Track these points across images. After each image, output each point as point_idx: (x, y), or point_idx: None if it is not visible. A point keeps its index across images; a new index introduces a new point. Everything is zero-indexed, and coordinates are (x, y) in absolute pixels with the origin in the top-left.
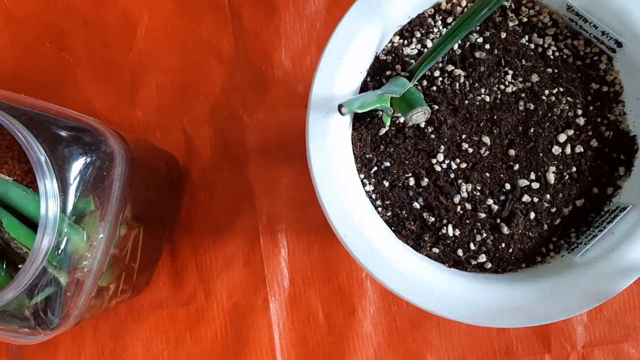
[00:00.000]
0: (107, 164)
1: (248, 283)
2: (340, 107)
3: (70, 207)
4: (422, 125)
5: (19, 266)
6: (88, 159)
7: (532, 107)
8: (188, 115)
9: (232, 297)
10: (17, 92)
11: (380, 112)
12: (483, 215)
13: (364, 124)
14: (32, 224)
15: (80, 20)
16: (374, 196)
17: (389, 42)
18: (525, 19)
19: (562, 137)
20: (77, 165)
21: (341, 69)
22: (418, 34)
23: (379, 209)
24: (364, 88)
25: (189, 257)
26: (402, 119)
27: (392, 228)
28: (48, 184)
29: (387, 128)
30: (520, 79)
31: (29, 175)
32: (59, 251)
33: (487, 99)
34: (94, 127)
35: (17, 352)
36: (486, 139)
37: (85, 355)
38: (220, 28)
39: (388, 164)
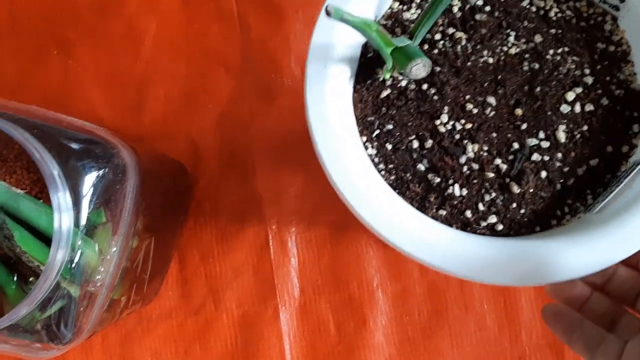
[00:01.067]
0: (119, 176)
1: (258, 292)
2: (327, 7)
3: (83, 220)
4: (425, 87)
5: (30, 279)
6: (100, 172)
7: (537, 66)
8: (195, 124)
9: (242, 306)
10: (22, 101)
11: (380, 74)
12: (491, 174)
13: (364, 85)
14: (43, 237)
15: (87, 29)
16: (376, 160)
17: (389, 9)
18: None
19: (571, 96)
20: (90, 178)
21: (342, 31)
22: None
23: (382, 172)
24: (364, 53)
25: (198, 266)
26: (404, 82)
27: (397, 191)
28: (61, 198)
29: (388, 91)
30: (523, 40)
31: (38, 185)
32: (73, 265)
33: (490, 60)
34: (106, 139)
35: None
36: (491, 99)
37: None
38: (228, 36)
39: (390, 126)
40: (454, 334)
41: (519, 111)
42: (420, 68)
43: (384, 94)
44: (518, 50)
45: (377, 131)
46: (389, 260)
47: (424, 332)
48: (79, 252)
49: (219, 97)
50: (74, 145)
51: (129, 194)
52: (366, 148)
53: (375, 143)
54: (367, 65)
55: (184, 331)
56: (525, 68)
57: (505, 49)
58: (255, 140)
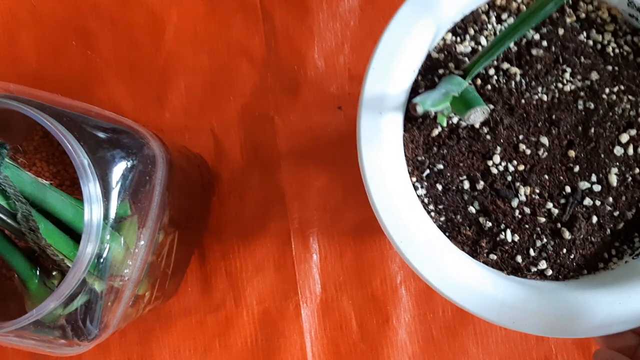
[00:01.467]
0: (149, 168)
1: (279, 289)
2: (414, 105)
3: (112, 213)
4: (477, 125)
5: (53, 273)
6: (129, 163)
7: (592, 106)
8: (217, 117)
9: (263, 303)
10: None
11: (433, 112)
12: (543, 219)
13: (415, 124)
14: (68, 231)
15: (107, 19)
16: (426, 200)
17: (441, 40)
18: (583, 15)
19: (625, 138)
20: (119, 170)
21: (394, 67)
22: (472, 31)
23: (432, 213)
24: (414, 88)
25: (218, 262)
26: (455, 119)
27: (447, 234)
28: (92, 189)
29: (439, 129)
30: (579, 77)
31: (58, 177)
32: (101, 259)
33: (545, 97)
34: (135, 129)
35: (39, 357)
36: (544, 140)
37: None
38: (251, 28)
39: (441, 166)
40: (479, 332)
41: (572, 153)
42: (479, 115)
43: (435, 132)
44: (573, 87)
45: (427, 171)
46: None
47: (448, 330)
48: (108, 246)
49: (242, 90)
50: (103, 135)
51: (158, 186)
52: (416, 189)
53: (425, 183)
54: None
55: (204, 328)
56: (580, 107)
57: (560, 85)
58: (279, 134)
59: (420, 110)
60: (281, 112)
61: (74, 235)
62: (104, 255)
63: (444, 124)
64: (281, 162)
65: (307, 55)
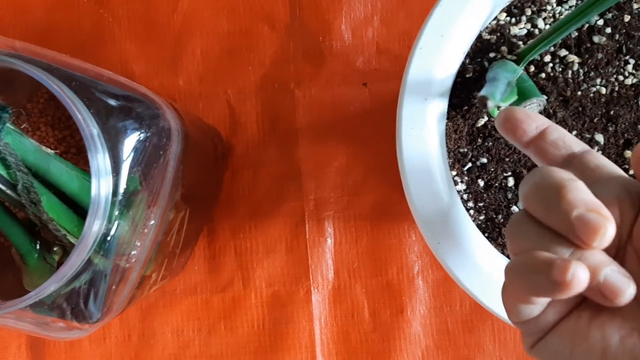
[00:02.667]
0: (163, 141)
1: (290, 272)
2: (484, 99)
3: (121, 188)
4: None
5: (54, 248)
6: (142, 135)
7: None
8: (234, 86)
9: (272, 286)
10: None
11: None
12: None
13: (460, 112)
14: (72, 204)
15: None
16: (465, 197)
17: (494, 20)
18: None
19: None
20: (131, 142)
21: (443, 48)
22: (529, 12)
23: (471, 211)
24: (461, 72)
25: (228, 241)
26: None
27: (486, 234)
28: (101, 162)
29: (485, 119)
30: None
31: (63, 144)
32: (108, 238)
33: (603, 90)
34: (150, 98)
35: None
36: (599, 137)
37: (111, 339)
38: None
39: (485, 160)
40: (496, 329)
41: (628, 153)
42: (534, 107)
43: (481, 122)
44: (635, 81)
45: (469, 164)
46: None
47: (464, 324)
48: (116, 223)
49: (262, 58)
50: (115, 103)
51: (172, 162)
52: (455, 183)
53: (466, 178)
54: (463, 87)
55: (209, 308)
56: None
57: (621, 78)
58: (299, 108)
59: (491, 105)
60: (302, 84)
61: (79, 209)
62: (111, 233)
63: (495, 115)
64: (299, 137)
65: (334, 26)
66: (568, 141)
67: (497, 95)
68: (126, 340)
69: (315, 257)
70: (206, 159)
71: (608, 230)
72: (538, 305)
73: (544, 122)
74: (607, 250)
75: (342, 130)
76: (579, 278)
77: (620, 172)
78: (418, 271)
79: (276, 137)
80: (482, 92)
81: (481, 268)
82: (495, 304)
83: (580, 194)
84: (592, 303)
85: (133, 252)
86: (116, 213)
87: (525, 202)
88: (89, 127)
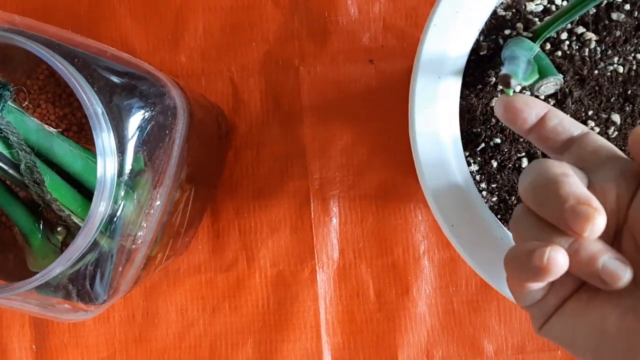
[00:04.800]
0: (169, 120)
1: (294, 252)
2: (507, 77)
3: (127, 169)
4: (543, 97)
5: (58, 229)
6: (147, 114)
7: None
8: (237, 63)
9: (277, 265)
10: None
11: (494, 78)
12: None
13: (474, 91)
14: (76, 184)
15: None
16: (478, 177)
17: None
18: None
19: None
20: (136, 120)
21: (457, 25)
22: None
23: (483, 192)
24: (475, 49)
25: (232, 220)
26: (518, 88)
27: (498, 216)
28: (106, 141)
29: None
30: None
31: (65, 122)
32: (115, 219)
33: (621, 69)
34: (155, 75)
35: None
36: (616, 117)
37: (114, 318)
38: None
39: (499, 140)
40: (502, 309)
41: None
42: (550, 86)
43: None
44: None
45: (483, 145)
46: (439, 227)
47: (470, 305)
48: (122, 204)
49: (265, 34)
50: (119, 81)
51: (177, 141)
52: (468, 164)
53: (479, 159)
54: (478, 65)
55: (213, 288)
56: None
57: (639, 56)
58: (304, 85)
59: (514, 83)
60: (307, 61)
61: (83, 189)
62: (117, 214)
63: (511, 94)
64: (304, 115)
65: (339, 0)
66: (567, 126)
67: (519, 73)
68: (130, 320)
69: (320, 237)
70: (210, 137)
71: (597, 221)
72: (537, 290)
73: (543, 108)
74: (606, 233)
75: (347, 109)
76: (555, 261)
77: (617, 153)
78: (424, 251)
79: (280, 116)
80: (505, 71)
81: (494, 252)
82: (507, 287)
83: (572, 187)
84: (591, 286)
85: (139, 233)
86: (122, 194)
87: (524, 198)
88: (93, 105)
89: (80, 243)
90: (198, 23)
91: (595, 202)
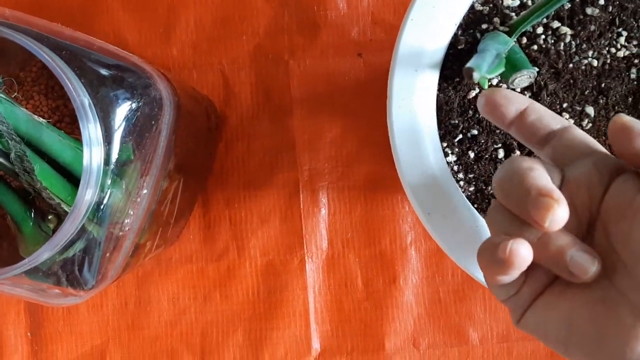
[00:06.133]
0: (155, 110)
1: (284, 242)
2: (470, 70)
3: (114, 158)
4: (518, 90)
5: (49, 217)
6: (134, 105)
7: None
8: (228, 56)
9: (267, 255)
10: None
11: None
12: None
13: (451, 84)
14: (65, 173)
15: None
16: (455, 168)
17: None
18: None
19: None
20: (122, 111)
21: (435, 20)
22: None
23: (461, 182)
24: (453, 43)
25: (222, 211)
26: (494, 81)
27: (475, 205)
28: (92, 131)
29: (477, 91)
30: (635, 43)
31: (57, 113)
32: (101, 206)
33: (595, 63)
34: (141, 67)
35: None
36: (590, 110)
37: (108, 306)
38: None
39: (475, 132)
40: (487, 297)
41: None
42: (524, 79)
43: (472, 94)
44: (627, 53)
45: (460, 136)
46: None
47: (456, 294)
48: (108, 192)
49: (255, 28)
50: (106, 72)
51: (164, 131)
52: (446, 155)
53: (457, 149)
54: (455, 59)
55: (205, 277)
56: (633, 76)
57: (613, 51)
58: (294, 79)
59: (476, 77)
60: (296, 55)
61: (72, 178)
62: (104, 202)
63: (486, 86)
64: (294, 108)
65: None
66: (546, 121)
67: (483, 66)
68: (123, 308)
69: (309, 227)
70: (199, 128)
71: (557, 211)
72: (512, 284)
73: (523, 102)
74: (578, 226)
75: (336, 102)
76: (518, 252)
77: (593, 147)
78: (411, 241)
79: (270, 108)
80: (469, 64)
81: (470, 240)
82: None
83: (535, 180)
84: (563, 279)
85: (126, 221)
86: (109, 182)
87: (495, 192)
88: (80, 96)
89: (68, 228)
90: (189, 16)
91: (556, 193)
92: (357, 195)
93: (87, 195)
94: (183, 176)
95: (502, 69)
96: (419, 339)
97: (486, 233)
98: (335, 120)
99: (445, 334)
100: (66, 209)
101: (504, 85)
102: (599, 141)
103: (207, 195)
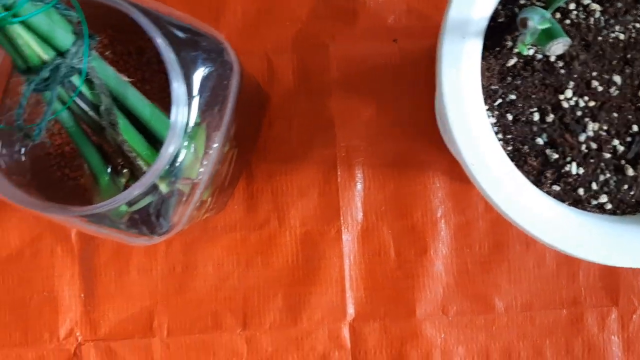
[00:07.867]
0: (227, 74)
1: (322, 214)
2: (525, 19)
3: (193, 116)
4: (553, 59)
5: (123, 171)
6: (210, 68)
7: None
8: (271, 41)
9: (305, 225)
10: None
11: (510, 43)
12: (608, 155)
13: (493, 53)
14: (142, 130)
15: None
16: (495, 129)
17: None
18: None
19: None
20: (200, 73)
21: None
22: None
23: (500, 142)
24: (494, 16)
25: (265, 183)
26: (531, 52)
27: (514, 162)
28: (179, 89)
29: (515, 60)
30: None
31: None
32: (177, 161)
33: (622, 36)
34: (213, 33)
35: (89, 260)
36: (617, 78)
37: (157, 270)
38: None
39: (514, 96)
40: (512, 269)
41: None
42: (559, 47)
43: (511, 62)
44: None
45: (500, 100)
46: (455, 193)
47: (483, 265)
48: (185, 149)
49: (297, 14)
50: (183, 35)
51: (231, 97)
52: (487, 117)
53: (496, 112)
54: (496, 30)
55: (247, 244)
56: None
57: (638, 25)
58: (333, 62)
59: (531, 25)
60: (336, 39)
61: (147, 135)
62: (180, 158)
63: (525, 53)
64: (332, 90)
65: None
66: None
67: (535, 17)
68: (171, 272)
69: (345, 200)
70: (253, 103)
71: None
72: None
73: None
74: None
75: (372, 85)
76: None
77: None
78: (441, 215)
79: (310, 90)
80: (523, 14)
81: (507, 186)
82: (516, 215)
83: None
84: None
85: (196, 176)
86: (186, 140)
87: None
88: (170, 53)
89: (151, 174)
90: (236, 5)
91: None
92: (391, 171)
93: (171, 149)
94: (237, 146)
95: (547, 24)
96: (447, 306)
97: (521, 183)
98: (370, 102)
99: (472, 302)
100: (141, 163)
101: (538, 55)
102: (625, 107)
103: (251, 169)
